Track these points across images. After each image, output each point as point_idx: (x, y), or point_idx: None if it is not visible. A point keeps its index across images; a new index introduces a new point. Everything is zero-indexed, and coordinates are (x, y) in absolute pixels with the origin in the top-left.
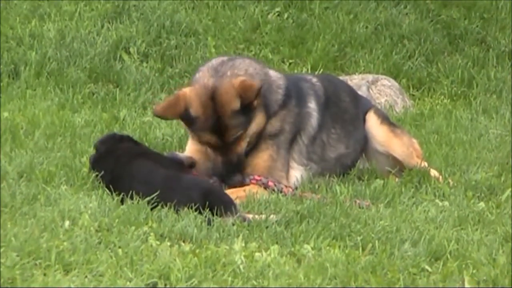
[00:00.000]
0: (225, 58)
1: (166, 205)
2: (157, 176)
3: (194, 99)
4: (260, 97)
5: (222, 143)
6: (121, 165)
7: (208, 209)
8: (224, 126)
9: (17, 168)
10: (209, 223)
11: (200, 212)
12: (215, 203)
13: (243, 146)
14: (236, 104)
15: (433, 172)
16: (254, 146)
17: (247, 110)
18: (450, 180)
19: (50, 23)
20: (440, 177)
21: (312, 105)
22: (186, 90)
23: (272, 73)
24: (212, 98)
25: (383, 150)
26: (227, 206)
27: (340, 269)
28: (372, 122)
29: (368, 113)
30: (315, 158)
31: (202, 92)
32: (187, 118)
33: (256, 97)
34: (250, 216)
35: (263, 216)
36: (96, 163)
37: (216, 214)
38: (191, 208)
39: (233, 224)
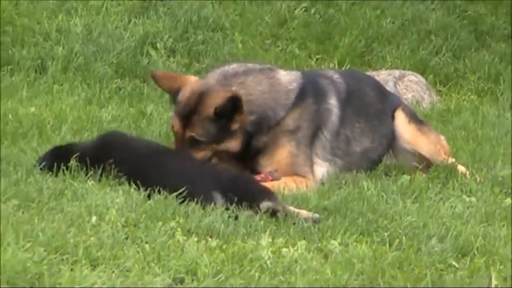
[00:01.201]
0: (242, 68)
1: (195, 197)
2: (185, 167)
3: (189, 87)
4: (241, 123)
5: (182, 135)
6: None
7: (237, 197)
8: (191, 122)
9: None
10: (236, 218)
11: (227, 208)
12: (243, 191)
13: (200, 155)
14: (211, 112)
15: (460, 168)
16: (269, 145)
17: (221, 126)
18: (477, 176)
19: (77, 18)
20: (467, 173)
21: (332, 101)
22: (191, 77)
23: (284, 79)
24: (201, 94)
25: (410, 148)
26: (257, 194)
27: (367, 265)
28: (400, 120)
29: (396, 110)
30: (340, 153)
31: (198, 86)
32: (173, 97)
33: (232, 121)
34: (291, 208)
35: (303, 212)
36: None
37: (246, 202)
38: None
39: (260, 219)
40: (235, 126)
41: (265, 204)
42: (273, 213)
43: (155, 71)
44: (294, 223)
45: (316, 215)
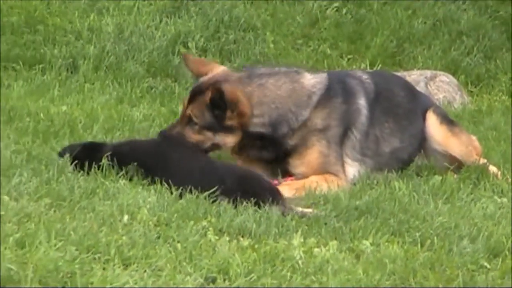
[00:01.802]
0: (268, 70)
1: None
2: (193, 167)
3: (213, 73)
4: (239, 121)
5: (184, 111)
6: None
7: (245, 196)
8: (195, 102)
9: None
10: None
11: (259, 206)
12: (251, 190)
13: (195, 138)
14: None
15: (492, 169)
16: (299, 146)
17: (216, 116)
18: (508, 177)
19: (109, 18)
20: (499, 173)
21: (361, 101)
22: (221, 66)
23: (308, 82)
24: (216, 82)
25: (441, 149)
26: (266, 193)
27: (399, 265)
28: (431, 121)
29: (428, 112)
30: (369, 153)
31: (219, 75)
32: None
33: (226, 116)
34: (299, 209)
35: (308, 210)
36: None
37: (255, 202)
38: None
39: (292, 219)
40: (229, 121)
41: (272, 209)
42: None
43: (188, 55)
44: (325, 223)
45: (321, 213)
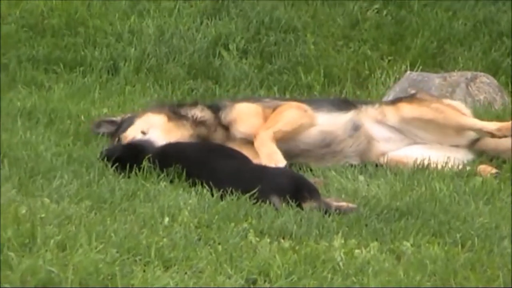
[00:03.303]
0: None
1: (259, 196)
2: (244, 170)
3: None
4: None
5: None
6: (195, 163)
7: (295, 196)
8: None
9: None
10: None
11: (300, 207)
12: (303, 189)
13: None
14: None
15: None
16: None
17: None
18: None
19: (149, 20)
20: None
21: None
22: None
23: None
24: None
25: None
26: (315, 192)
27: (440, 266)
28: None
29: None
30: None
31: None
32: None
33: None
34: (334, 203)
35: (344, 204)
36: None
37: (303, 201)
38: (282, 195)
39: (333, 221)
40: None
41: (308, 204)
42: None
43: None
44: (366, 224)
45: (354, 205)
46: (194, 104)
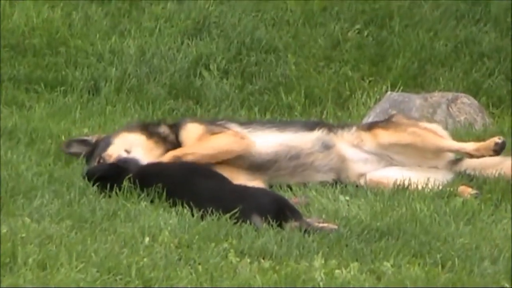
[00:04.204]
0: None
1: (241, 216)
2: (225, 190)
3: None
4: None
5: None
6: (177, 184)
7: (277, 215)
8: None
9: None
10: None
11: (281, 227)
12: (285, 209)
13: None
14: None
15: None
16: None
17: None
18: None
19: (130, 40)
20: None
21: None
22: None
23: None
24: None
25: None
26: (296, 212)
27: (420, 287)
28: None
29: None
30: None
31: None
32: None
33: None
34: (315, 223)
35: (325, 224)
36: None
37: (284, 220)
38: (263, 215)
39: (313, 241)
40: None
41: (289, 224)
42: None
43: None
44: (346, 245)
45: (335, 226)
46: (158, 123)
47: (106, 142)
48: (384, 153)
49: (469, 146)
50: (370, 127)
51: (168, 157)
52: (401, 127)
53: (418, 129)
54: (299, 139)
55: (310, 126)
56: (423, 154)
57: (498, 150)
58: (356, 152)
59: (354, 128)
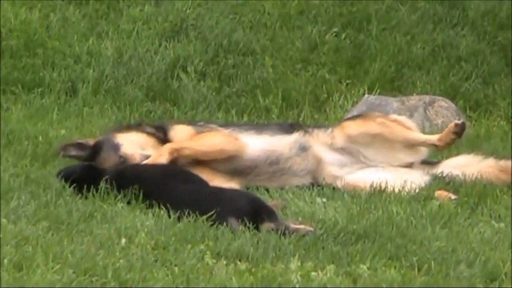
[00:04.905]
0: None
1: (217, 219)
2: (202, 192)
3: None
4: None
5: None
6: (154, 186)
7: (253, 218)
8: None
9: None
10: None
11: (257, 228)
12: (261, 211)
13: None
14: None
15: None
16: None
17: None
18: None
19: (108, 41)
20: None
21: None
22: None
23: None
24: None
25: None
26: (272, 214)
27: None
28: None
29: None
30: None
31: None
32: None
33: None
34: (291, 225)
35: (301, 226)
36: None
37: (260, 222)
38: (240, 218)
39: (289, 243)
40: None
41: (265, 226)
42: (275, 231)
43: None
44: (323, 247)
45: (311, 228)
46: (140, 124)
47: (112, 144)
48: (354, 147)
49: (433, 137)
50: (341, 122)
51: (166, 149)
52: (370, 118)
53: (386, 120)
54: (277, 143)
55: (287, 129)
56: (393, 146)
57: (459, 132)
58: (330, 154)
59: (330, 129)
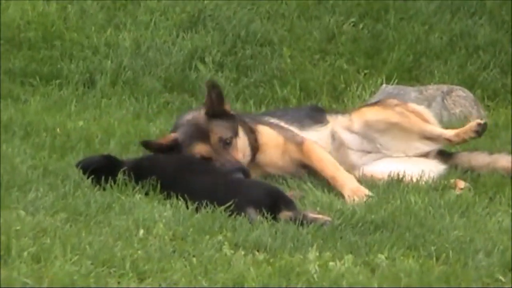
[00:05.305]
0: None
1: (235, 209)
2: (220, 184)
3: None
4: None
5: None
6: (172, 178)
7: (271, 208)
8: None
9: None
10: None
11: (275, 218)
12: (280, 201)
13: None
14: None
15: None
16: None
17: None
18: None
19: (126, 33)
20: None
21: None
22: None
23: None
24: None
25: None
26: (291, 204)
27: (414, 279)
28: None
29: None
30: None
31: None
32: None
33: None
34: (310, 214)
35: (319, 216)
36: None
37: (279, 211)
38: (258, 208)
39: (307, 233)
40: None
41: (283, 215)
42: (293, 221)
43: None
44: (341, 237)
45: (329, 218)
46: None
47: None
48: (371, 133)
49: (450, 132)
50: (359, 107)
51: None
52: (389, 106)
53: (406, 110)
54: (319, 136)
55: (318, 118)
56: (409, 136)
57: (480, 131)
58: (350, 135)
59: (347, 114)
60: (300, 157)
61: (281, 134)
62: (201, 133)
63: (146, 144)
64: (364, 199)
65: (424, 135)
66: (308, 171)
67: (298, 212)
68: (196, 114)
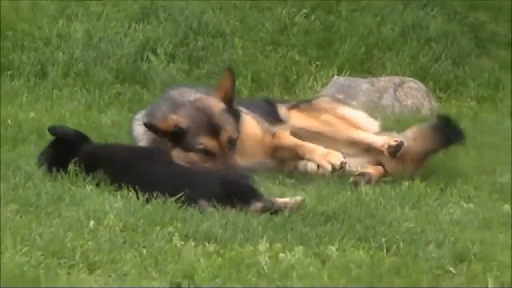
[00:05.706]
0: None
1: (188, 201)
2: (172, 174)
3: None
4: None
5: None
6: (124, 168)
7: (230, 198)
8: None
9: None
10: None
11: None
12: (235, 192)
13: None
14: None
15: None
16: None
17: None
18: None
19: (78, 24)
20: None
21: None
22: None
23: None
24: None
25: None
26: (249, 193)
27: (365, 270)
28: None
29: None
30: None
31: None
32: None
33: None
34: (278, 200)
35: (288, 199)
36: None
37: (238, 202)
38: (211, 199)
39: (258, 225)
40: None
41: (254, 206)
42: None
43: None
44: (291, 228)
45: (300, 198)
46: None
47: None
48: (298, 135)
49: (379, 141)
50: (293, 106)
51: None
52: (316, 112)
53: (333, 117)
54: None
55: (273, 112)
56: (334, 142)
57: (392, 152)
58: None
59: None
60: (274, 144)
61: (259, 124)
62: (212, 127)
63: (149, 126)
64: (339, 160)
65: (352, 143)
66: (276, 161)
67: (268, 201)
68: (204, 98)
